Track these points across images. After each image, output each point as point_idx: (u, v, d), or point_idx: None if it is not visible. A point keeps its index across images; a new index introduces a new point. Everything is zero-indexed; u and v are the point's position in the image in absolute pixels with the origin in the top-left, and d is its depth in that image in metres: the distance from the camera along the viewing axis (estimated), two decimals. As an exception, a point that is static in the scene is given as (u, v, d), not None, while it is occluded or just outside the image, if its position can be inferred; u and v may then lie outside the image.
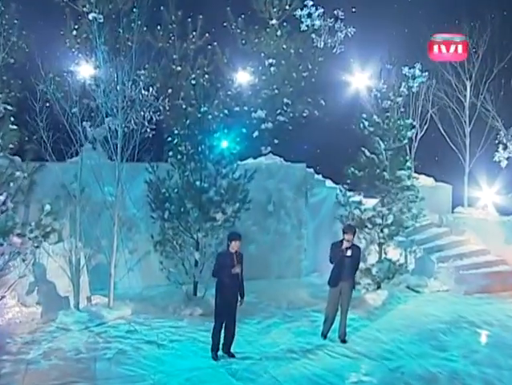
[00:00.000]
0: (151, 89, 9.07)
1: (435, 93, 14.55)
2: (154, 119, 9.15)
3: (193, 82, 10.43)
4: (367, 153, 10.70)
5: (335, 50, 13.28)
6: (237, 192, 10.34)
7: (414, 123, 11.04)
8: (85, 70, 12.59)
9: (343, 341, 8.77)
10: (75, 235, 10.34)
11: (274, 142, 14.41)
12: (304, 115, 14.51)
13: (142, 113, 8.79)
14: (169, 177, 10.38)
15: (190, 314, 10.14)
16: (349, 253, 8.68)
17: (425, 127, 14.72)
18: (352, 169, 10.99)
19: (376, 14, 14.67)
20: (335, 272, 8.76)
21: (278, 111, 14.34)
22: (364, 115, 10.94)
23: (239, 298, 8.26)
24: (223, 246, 10.12)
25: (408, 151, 12.82)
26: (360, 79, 14.09)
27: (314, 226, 13.07)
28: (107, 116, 9.96)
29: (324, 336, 8.98)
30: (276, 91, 14.11)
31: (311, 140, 14.54)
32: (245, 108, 13.82)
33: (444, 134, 14.63)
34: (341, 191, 10.95)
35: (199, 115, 10.22)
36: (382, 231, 10.85)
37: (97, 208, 11.05)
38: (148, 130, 9.02)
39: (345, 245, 8.66)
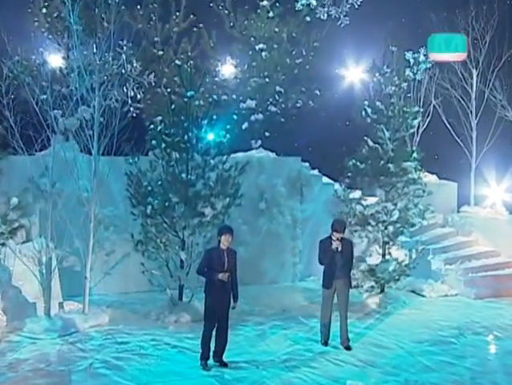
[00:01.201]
0: (134, 63, 8.71)
1: (438, 82, 14.40)
2: (138, 96, 8.78)
3: (178, 63, 10.05)
4: (370, 143, 10.47)
5: (339, 23, 13.04)
6: (228, 186, 10.02)
7: (421, 109, 10.82)
8: (56, 54, 12.22)
9: (347, 348, 8.55)
10: (46, 234, 9.94)
11: (264, 135, 14.14)
12: (298, 105, 14.28)
13: (125, 89, 8.41)
14: (152, 169, 10.03)
15: (175, 320, 9.83)
16: (339, 247, 8.46)
17: (428, 120, 14.56)
18: (353, 161, 10.72)
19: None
20: (327, 271, 8.59)
21: (269, 101, 14.04)
22: (366, 102, 10.70)
23: (232, 300, 7.92)
24: (212, 245, 9.91)
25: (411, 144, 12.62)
26: (361, 65, 13.90)
27: (310, 225, 12.80)
28: (82, 99, 9.56)
29: (325, 343, 8.75)
30: (267, 80, 13.83)
31: (305, 134, 14.29)
32: (234, 97, 13.51)
33: (448, 127, 14.47)
34: (341, 185, 10.66)
35: (185, 100, 9.89)
36: (386, 228, 10.59)
37: (70, 205, 10.64)
38: (132, 109, 8.65)
39: (334, 245, 8.44)
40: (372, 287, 10.68)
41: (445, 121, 14.50)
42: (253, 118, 14.00)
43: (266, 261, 12.47)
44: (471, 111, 14.13)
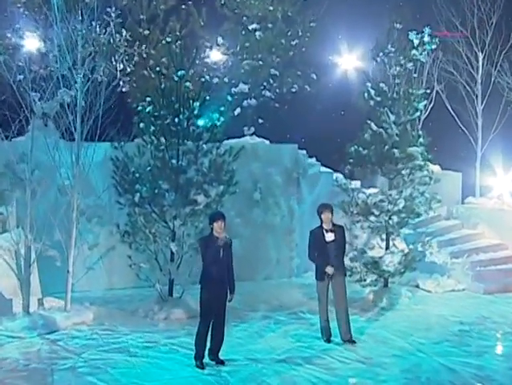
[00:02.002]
0: (124, 32, 8.43)
1: (442, 66, 14.27)
2: (128, 69, 8.50)
3: (168, 39, 9.79)
4: (374, 127, 10.27)
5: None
6: (222, 173, 9.78)
7: (428, 91, 10.64)
8: (33, 35, 11.89)
9: (351, 341, 8.42)
10: (24, 224, 9.65)
11: (258, 122, 13.93)
12: (293, 90, 14.05)
13: (114, 62, 8.12)
14: (140, 154, 9.77)
15: (165, 318, 9.60)
16: (331, 237, 8.36)
17: (430, 107, 14.42)
18: (355, 147, 10.52)
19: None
20: (320, 262, 8.45)
21: (263, 86, 13.83)
22: (369, 84, 10.51)
23: (228, 293, 7.70)
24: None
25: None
26: (359, 49, 13.74)
27: (307, 217, 12.47)
28: (63, 77, 9.27)
29: (328, 340, 8.58)
30: (260, 62, 13.61)
31: (301, 121, 14.10)
32: (226, 80, 13.26)
33: (452, 113, 14.36)
34: (343, 173, 10.46)
35: (176, 79, 9.63)
36: (390, 218, 10.41)
37: (50, 194, 10.39)
38: (121, 83, 8.38)
39: (328, 238, 8.30)
40: (376, 280, 10.49)
41: (449, 107, 14.39)
42: (245, 103, 13.77)
43: (260, 255, 12.24)
44: (476, 96, 14.03)
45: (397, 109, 10.33)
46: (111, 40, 8.13)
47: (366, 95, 10.49)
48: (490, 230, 13.12)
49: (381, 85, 10.35)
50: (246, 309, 10.00)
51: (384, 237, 10.86)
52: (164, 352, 8.12)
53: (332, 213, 8.44)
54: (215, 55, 13.86)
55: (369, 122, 10.39)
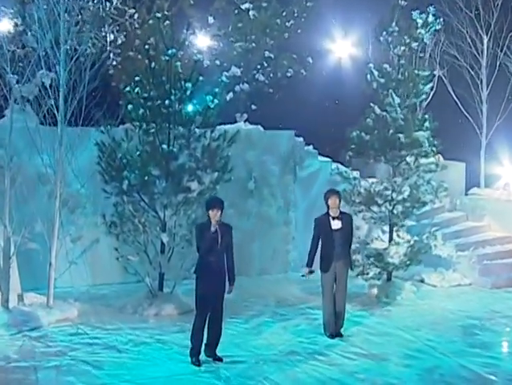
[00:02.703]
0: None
1: (444, 50, 14.18)
2: (119, 40, 8.29)
3: (158, 15, 9.59)
4: (378, 110, 10.15)
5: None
6: (216, 158, 9.62)
7: (435, 72, 10.52)
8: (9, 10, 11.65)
9: (339, 335, 8.41)
10: (3, 216, 9.44)
11: (250, 108, 13.76)
12: (288, 75, 13.90)
13: (103, 33, 7.91)
14: (128, 139, 9.57)
15: (156, 314, 9.46)
16: (338, 224, 8.27)
17: (432, 93, 14.32)
18: (357, 132, 10.40)
19: None
20: (326, 252, 8.40)
21: (257, 70, 13.67)
22: (371, 65, 10.39)
23: (228, 284, 7.56)
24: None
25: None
26: (357, 34, 13.65)
27: (304, 208, 12.47)
28: (45, 55, 9.06)
29: (332, 335, 8.49)
30: (254, 44, 13.45)
31: (297, 107, 13.96)
32: (217, 63, 13.07)
33: (455, 99, 14.28)
34: (342, 163, 10.34)
35: (166, 58, 9.45)
36: (394, 208, 10.30)
37: (31, 183, 10.18)
38: (112, 55, 8.17)
39: (332, 213, 8.23)
40: (380, 274, 10.39)
41: (452, 93, 14.31)
42: (237, 88, 13.57)
43: (254, 248, 12.09)
44: (481, 81, 13.94)
45: (402, 91, 10.21)
46: (100, 8, 7.90)
47: (368, 76, 10.35)
48: (496, 222, 13.05)
49: (385, 66, 10.22)
50: (241, 304, 9.86)
51: (385, 228, 10.76)
52: (157, 349, 7.97)
53: (340, 199, 8.38)
54: (203, 40, 13.66)
55: (372, 105, 10.25)
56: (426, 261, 11.40)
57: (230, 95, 13.22)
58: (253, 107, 13.77)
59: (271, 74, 13.88)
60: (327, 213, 8.41)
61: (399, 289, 10.65)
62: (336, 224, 8.34)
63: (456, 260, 11.88)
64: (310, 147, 12.77)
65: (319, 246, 8.51)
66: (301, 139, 12.59)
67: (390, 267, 10.42)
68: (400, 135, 10.08)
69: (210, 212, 7.45)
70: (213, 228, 7.39)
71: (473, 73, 14.07)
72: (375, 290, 10.59)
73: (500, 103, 13.89)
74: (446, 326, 9.08)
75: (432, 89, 14.06)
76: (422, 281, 11.57)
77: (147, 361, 7.56)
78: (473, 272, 11.64)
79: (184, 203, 9.57)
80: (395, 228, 10.52)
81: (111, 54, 8.51)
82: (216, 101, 9.70)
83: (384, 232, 10.92)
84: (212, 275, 7.42)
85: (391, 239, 10.63)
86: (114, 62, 8.66)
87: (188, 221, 9.69)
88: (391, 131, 10.13)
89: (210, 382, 7.01)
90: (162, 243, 9.68)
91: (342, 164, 12.29)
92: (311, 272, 8.46)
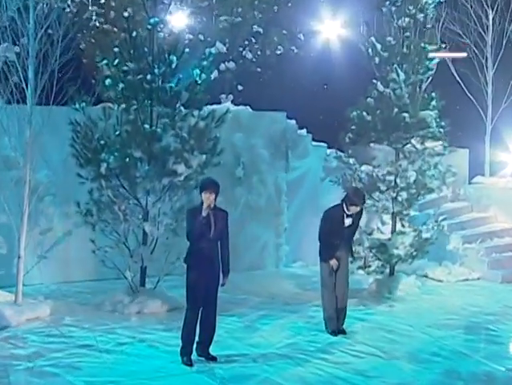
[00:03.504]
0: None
1: (446, 26, 14.11)
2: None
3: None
4: (381, 87, 10.00)
5: None
6: (204, 139, 9.38)
7: (443, 45, 10.40)
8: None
9: (342, 332, 8.32)
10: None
11: (237, 88, 13.57)
12: (278, 52, 13.72)
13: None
14: (106, 117, 9.29)
15: (138, 311, 9.25)
16: (349, 222, 8.33)
17: (432, 72, 14.23)
18: (358, 112, 10.24)
19: None
20: (331, 245, 8.34)
21: (243, 46, 13.47)
22: (373, 38, 10.23)
23: (221, 276, 7.35)
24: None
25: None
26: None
27: (297, 198, 12.37)
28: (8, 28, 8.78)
29: (334, 332, 8.37)
30: (240, 18, 13.23)
31: (288, 88, 13.80)
32: (201, 38, 12.84)
33: (458, 80, 14.22)
34: (337, 149, 10.19)
35: (148, 27, 9.19)
36: (398, 195, 10.18)
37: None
38: (94, 17, 7.89)
39: (348, 212, 8.24)
40: (383, 266, 10.27)
41: (454, 73, 14.25)
42: (222, 66, 13.35)
43: (243, 241, 11.84)
44: (486, 59, 13.89)
45: (406, 67, 10.07)
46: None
47: (370, 50, 10.20)
48: (503, 213, 13.02)
49: (388, 39, 10.08)
50: (232, 300, 9.66)
51: (385, 218, 10.64)
52: (142, 349, 7.74)
53: (362, 207, 8.38)
54: (180, 18, 13.45)
55: (375, 82, 10.10)
56: (430, 255, 11.27)
57: (215, 74, 12.97)
58: (240, 87, 13.58)
59: (259, 52, 13.71)
60: (342, 209, 8.25)
61: (402, 284, 10.54)
62: (348, 222, 8.30)
63: (462, 253, 11.83)
64: (304, 130, 12.61)
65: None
66: (293, 121, 12.42)
67: (394, 259, 10.29)
68: (405, 115, 9.94)
69: (203, 194, 7.22)
70: (204, 213, 7.16)
71: (477, 51, 14.03)
72: (376, 285, 10.47)
73: (507, 83, 13.87)
74: (458, 322, 8.99)
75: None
76: (426, 276, 11.50)
77: (132, 361, 7.33)
78: (481, 265, 11.60)
79: (169, 188, 9.33)
80: (398, 217, 10.39)
81: (94, 15, 8.20)
82: (204, 76, 9.46)
83: (383, 223, 10.79)
84: (203, 264, 7.20)
85: (394, 229, 10.51)
86: (97, 24, 8.36)
87: (173, 209, 9.46)
88: (395, 110, 9.98)
89: (205, 382, 6.79)
90: (144, 233, 9.43)
91: (338, 150, 12.20)
92: (338, 259, 8.30)
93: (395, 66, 9.92)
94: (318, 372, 7.09)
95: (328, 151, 12.55)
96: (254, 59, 13.70)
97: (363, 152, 11.05)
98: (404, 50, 10.02)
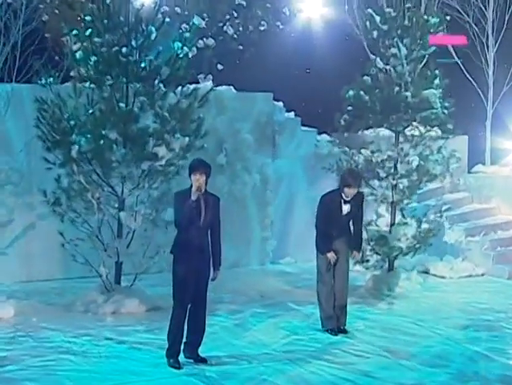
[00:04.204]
0: None
1: (444, 1, 14.07)
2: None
3: None
4: (380, 64, 9.88)
5: None
6: (187, 120, 9.16)
7: (448, 17, 10.30)
8: None
9: (343, 331, 8.23)
10: None
11: (216, 68, 13.36)
12: (261, 28, 13.54)
13: None
14: (76, 95, 9.01)
15: (114, 311, 9.06)
16: (347, 209, 8.18)
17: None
18: (354, 91, 10.11)
19: None
20: (327, 233, 8.20)
21: (224, 21, 13.27)
22: (371, 10, 10.11)
23: (212, 269, 7.19)
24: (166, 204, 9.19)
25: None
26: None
27: (284, 187, 12.32)
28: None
29: (334, 331, 8.25)
30: (220, -11, 13.06)
31: (272, 68, 13.63)
32: (178, 11, 12.61)
33: (456, 60, 14.20)
34: (340, 122, 10.05)
35: (124, -6, 8.97)
36: (399, 182, 10.07)
37: None
38: None
39: (345, 197, 8.14)
40: (384, 260, 10.16)
41: (453, 53, 14.22)
42: (201, 43, 13.13)
43: (225, 235, 11.51)
44: (487, 38, 13.87)
45: (407, 42, 9.96)
46: None
47: (368, 24, 10.08)
48: (507, 204, 13.07)
49: (388, 10, 9.97)
50: (216, 300, 9.45)
51: (380, 210, 10.62)
52: (122, 351, 7.53)
53: (360, 186, 8.28)
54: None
55: (373, 57, 9.99)
56: (430, 249, 11.24)
57: (194, 50, 12.74)
58: (220, 66, 13.37)
59: (241, 28, 13.51)
60: (340, 194, 8.14)
61: (402, 281, 10.47)
62: (346, 209, 8.16)
63: (465, 246, 11.81)
64: (291, 113, 12.48)
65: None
66: (280, 103, 12.28)
67: (394, 253, 10.20)
68: (407, 94, 9.85)
69: (192, 176, 7.02)
70: (193, 197, 6.95)
71: (476, 29, 14.01)
72: (374, 281, 10.38)
73: (509, 63, 13.89)
74: (467, 320, 8.94)
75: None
76: (427, 272, 11.49)
77: (112, 364, 7.11)
78: (486, 260, 11.63)
79: (148, 175, 9.08)
80: (400, 206, 10.29)
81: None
82: (186, 49, 9.25)
83: (378, 215, 10.69)
84: (192, 255, 7.01)
85: (393, 220, 10.40)
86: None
87: (151, 197, 9.24)
88: (396, 88, 9.87)
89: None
90: (120, 224, 9.20)
91: (330, 135, 12.11)
92: (336, 252, 8.15)
93: (396, 40, 9.79)
94: (321, 373, 6.94)
95: (319, 136, 12.45)
96: (236, 36, 13.49)
97: (356, 139, 10.95)
98: (406, 22, 9.89)
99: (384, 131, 10.80)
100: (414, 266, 11.30)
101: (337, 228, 8.21)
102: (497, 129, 14.20)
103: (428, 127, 10.09)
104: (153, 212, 9.16)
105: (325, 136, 12.35)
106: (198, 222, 7.03)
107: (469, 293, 10.32)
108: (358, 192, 8.34)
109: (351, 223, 8.34)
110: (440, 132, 10.34)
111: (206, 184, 7.11)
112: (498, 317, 9.05)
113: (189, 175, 7.09)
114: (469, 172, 14.10)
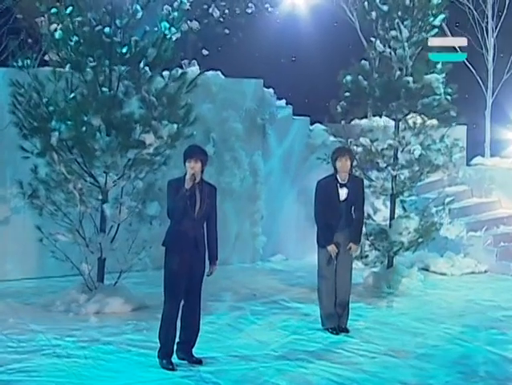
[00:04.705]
0: None
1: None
2: None
3: None
4: (380, 46, 9.82)
5: None
6: (175, 105, 9.03)
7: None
8: None
9: (345, 330, 8.21)
10: None
11: (201, 53, 13.24)
12: (248, 11, 13.45)
13: None
14: (56, 78, 8.84)
15: (97, 311, 8.91)
16: (345, 194, 8.10)
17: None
18: (350, 77, 10.05)
19: None
20: (328, 224, 8.12)
21: (208, 4, 13.16)
22: (370, -10, 10.06)
23: (208, 263, 7.09)
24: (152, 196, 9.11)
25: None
26: None
27: (276, 180, 12.22)
28: None
29: (335, 330, 8.19)
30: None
31: (261, 53, 13.55)
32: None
33: (454, 45, 14.18)
34: (335, 109, 10.00)
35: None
36: (400, 172, 10.03)
37: None
38: None
39: (340, 179, 8.05)
40: (384, 256, 10.15)
41: (450, 36, 14.21)
42: (185, 26, 12.96)
43: (213, 231, 11.60)
44: (487, 20, 13.87)
45: (408, 24, 9.91)
46: None
47: (366, 4, 10.02)
48: (508, 197, 13.11)
49: (388, -11, 9.92)
50: (206, 298, 9.18)
51: (376, 203, 10.56)
52: (110, 352, 7.39)
53: (352, 161, 8.17)
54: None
55: (373, 40, 9.93)
56: (429, 245, 11.26)
57: (178, 34, 12.61)
58: (205, 52, 13.24)
59: (227, 10, 13.40)
60: (335, 178, 8.06)
61: (403, 277, 10.43)
62: (344, 194, 8.08)
63: (467, 242, 11.81)
64: (283, 101, 12.40)
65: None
66: (271, 90, 12.18)
67: (395, 248, 10.15)
68: (409, 79, 9.81)
69: (187, 163, 6.93)
70: (187, 185, 6.84)
71: (477, 13, 14.04)
72: (373, 279, 10.36)
73: (510, 49, 13.92)
74: (475, 318, 8.94)
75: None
76: (426, 269, 11.49)
77: (100, 366, 6.98)
78: (489, 256, 11.66)
79: (133, 164, 8.94)
80: (400, 199, 10.25)
81: None
82: (174, 30, 9.14)
83: (375, 210, 10.63)
84: (186, 248, 6.92)
85: (392, 213, 10.36)
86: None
87: (136, 190, 9.11)
88: (397, 73, 9.81)
89: (192, 388, 6.54)
90: (102, 218, 9.05)
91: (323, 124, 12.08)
92: (337, 246, 8.07)
93: (397, 21, 9.74)
94: (327, 375, 6.87)
95: (311, 126, 12.40)
96: (222, 19, 13.36)
97: (353, 128, 10.90)
98: (407, 2, 9.83)
99: (379, 121, 10.78)
100: (413, 263, 11.26)
101: (336, 217, 8.10)
102: (498, 119, 14.23)
103: (426, 118, 10.03)
104: (139, 205, 9.04)
105: (318, 126, 12.33)
106: (193, 213, 6.93)
107: (474, 291, 10.35)
108: (355, 176, 8.38)
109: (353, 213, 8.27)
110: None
111: (202, 172, 7.04)
112: (507, 314, 9.06)
113: (184, 162, 7.00)
114: (467, 165, 14.12)
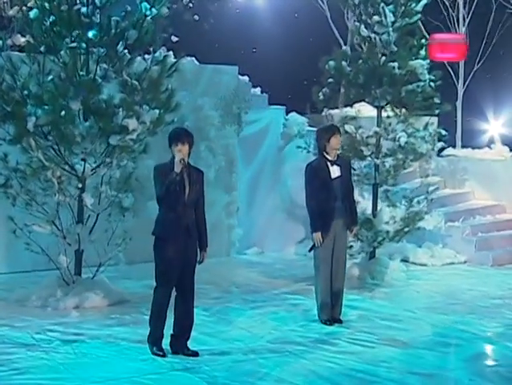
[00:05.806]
0: None
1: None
2: None
3: None
4: (365, 31, 9.72)
5: None
6: (157, 89, 8.78)
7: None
8: None
9: (337, 321, 8.10)
10: None
11: (170, 40, 12.95)
12: (218, -3, 13.28)
13: None
14: (31, 61, 8.51)
15: (77, 306, 8.62)
16: (337, 171, 7.94)
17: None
18: (333, 63, 9.92)
19: None
20: (325, 208, 7.91)
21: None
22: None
23: (198, 250, 6.94)
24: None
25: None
26: None
27: (252, 170, 12.05)
28: None
29: (329, 321, 8.07)
30: None
31: (234, 41, 13.35)
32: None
33: (423, 31, 14.23)
34: (318, 97, 9.86)
35: None
36: (384, 161, 9.96)
37: None
38: None
39: (331, 157, 7.92)
40: (369, 246, 10.06)
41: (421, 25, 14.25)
42: (152, 11, 12.70)
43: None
44: (458, 9, 13.90)
45: (392, 8, 9.83)
46: None
47: (349, -11, 9.92)
48: (482, 188, 13.24)
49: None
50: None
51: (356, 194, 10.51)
52: (98, 346, 7.15)
53: (340, 135, 8.04)
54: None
55: (357, 24, 9.82)
56: (407, 236, 11.18)
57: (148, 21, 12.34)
58: (174, 38, 12.96)
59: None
60: (324, 157, 7.90)
61: (385, 268, 10.37)
62: (335, 172, 7.90)
63: (445, 232, 11.82)
64: (258, 89, 12.23)
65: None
66: (246, 78, 12.00)
67: (379, 238, 10.06)
68: (394, 64, 9.72)
69: (173, 147, 6.79)
70: (177, 169, 6.65)
71: (447, 2, 14.08)
72: (356, 270, 10.27)
73: (480, 38, 13.97)
74: (466, 306, 8.96)
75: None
76: (406, 260, 11.44)
77: (90, 360, 6.76)
78: (468, 246, 11.70)
79: (113, 151, 8.65)
80: (383, 188, 10.17)
81: None
82: (154, 11, 8.88)
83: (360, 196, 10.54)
84: (179, 235, 6.76)
85: (374, 203, 10.28)
86: None
87: (115, 179, 8.84)
88: (383, 58, 9.72)
89: (194, 382, 6.28)
90: (80, 208, 8.74)
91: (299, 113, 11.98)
92: (324, 238, 7.85)
93: (382, 5, 9.64)
94: (328, 364, 6.76)
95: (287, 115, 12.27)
96: (191, 4, 13.12)
97: (333, 117, 10.77)
98: (392, -15, 9.77)
99: (364, 107, 10.67)
100: (391, 254, 11.20)
101: (331, 198, 7.89)
102: (469, 109, 14.31)
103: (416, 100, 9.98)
104: (120, 194, 8.78)
105: (294, 115, 12.20)
106: (182, 198, 6.79)
107: (458, 281, 10.37)
108: (343, 157, 8.29)
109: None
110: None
111: (189, 155, 6.86)
112: (495, 303, 9.09)
113: (169, 145, 6.87)
114: (439, 156, 14.16)
